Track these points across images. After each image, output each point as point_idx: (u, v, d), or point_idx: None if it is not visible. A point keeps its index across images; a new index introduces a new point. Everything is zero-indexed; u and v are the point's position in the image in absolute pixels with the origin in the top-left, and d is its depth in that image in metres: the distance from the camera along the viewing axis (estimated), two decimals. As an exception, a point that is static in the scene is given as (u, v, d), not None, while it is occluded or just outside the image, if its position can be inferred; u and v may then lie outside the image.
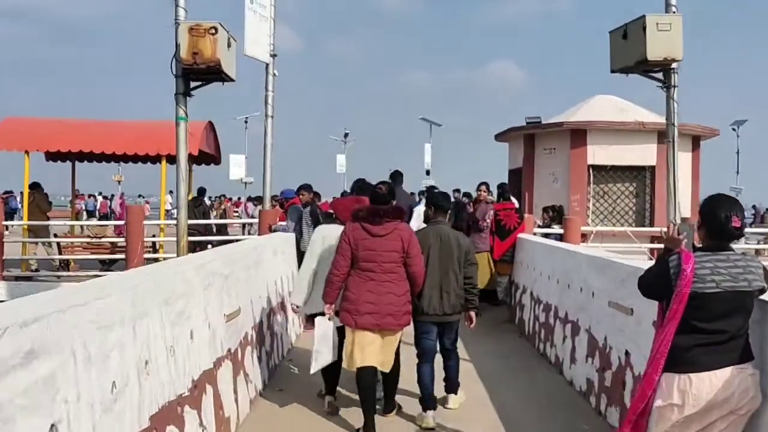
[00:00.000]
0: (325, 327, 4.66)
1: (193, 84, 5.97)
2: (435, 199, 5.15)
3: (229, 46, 5.72)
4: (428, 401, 4.85)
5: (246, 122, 41.79)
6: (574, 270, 6.30)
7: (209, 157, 14.12)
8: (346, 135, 48.75)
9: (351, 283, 4.47)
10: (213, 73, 5.91)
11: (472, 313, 4.96)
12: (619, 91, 14.26)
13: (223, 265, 4.76)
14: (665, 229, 3.14)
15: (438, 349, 5.04)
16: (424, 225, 5.15)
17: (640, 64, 4.88)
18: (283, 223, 9.18)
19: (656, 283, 2.96)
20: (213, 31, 5.29)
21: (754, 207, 32.49)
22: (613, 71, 5.19)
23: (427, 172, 40.15)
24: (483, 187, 9.47)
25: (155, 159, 13.01)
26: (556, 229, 10.88)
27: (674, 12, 4.88)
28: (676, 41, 4.68)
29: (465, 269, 4.88)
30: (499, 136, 14.89)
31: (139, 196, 43.02)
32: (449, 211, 5.32)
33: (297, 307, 5.12)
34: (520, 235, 9.57)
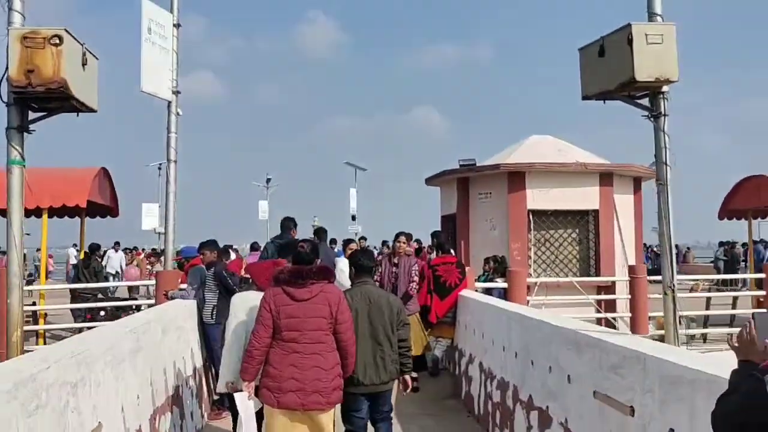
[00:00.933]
0: (247, 406, 4.19)
1: (32, 115, 4.35)
2: (356, 258, 4.86)
3: (84, 63, 4.26)
4: None
5: (159, 169, 40.41)
6: (539, 344, 5.13)
7: (103, 208, 12.40)
8: (268, 180, 47.82)
9: (272, 357, 4.03)
10: (59, 99, 4.37)
11: (408, 378, 4.77)
12: (549, 132, 13.52)
13: (66, 371, 3.32)
14: (737, 334, 1.99)
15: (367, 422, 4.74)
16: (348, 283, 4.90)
17: (625, 87, 3.86)
18: (184, 287, 7.66)
19: (754, 415, 1.77)
20: (56, 40, 3.79)
21: (677, 247, 32.96)
22: (585, 98, 4.15)
23: (353, 218, 39.62)
24: (402, 239, 8.00)
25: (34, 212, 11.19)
26: (500, 283, 9.83)
27: (661, 21, 3.88)
28: (670, 57, 3.70)
29: (398, 331, 4.65)
30: (431, 180, 13.92)
31: (37, 250, 38.81)
32: (373, 270, 5.12)
33: (231, 383, 4.51)
34: (463, 293, 8.44)
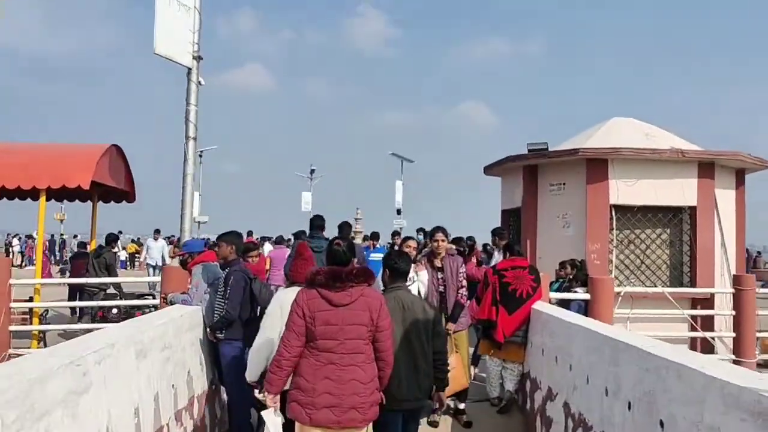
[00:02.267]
0: (275, 423, 3.80)
1: None
2: (391, 261, 4.52)
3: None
4: None
5: (200, 156, 40.35)
6: (680, 402, 3.43)
7: (116, 192, 11.10)
8: (312, 171, 47.27)
9: (304, 368, 3.67)
10: None
11: (442, 394, 4.51)
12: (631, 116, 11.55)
13: None
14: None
15: None
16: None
17: None
18: (188, 291, 6.17)
19: None
20: None
21: (747, 251, 30.19)
22: None
23: (398, 212, 38.43)
24: (440, 235, 6.51)
25: (30, 194, 9.96)
26: (580, 293, 8.06)
27: None
28: None
29: (433, 342, 4.37)
30: (491, 169, 12.19)
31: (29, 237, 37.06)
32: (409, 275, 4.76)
33: (255, 384, 4.31)
34: (537, 306, 6.74)
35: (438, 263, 6.47)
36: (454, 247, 7.73)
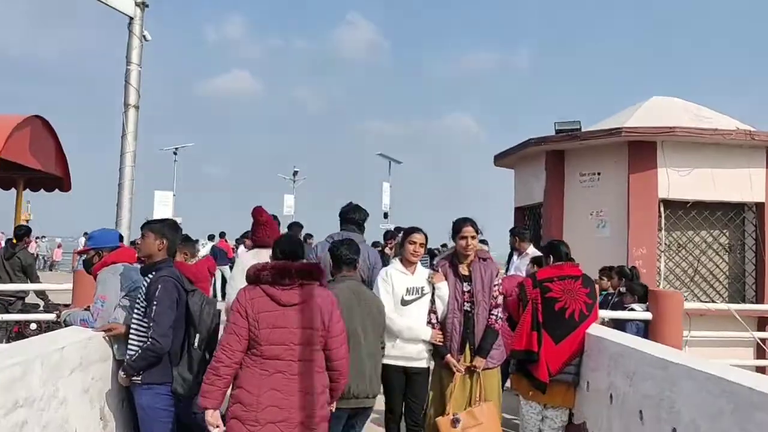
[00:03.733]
0: None
1: None
2: (336, 249, 4.20)
3: None
4: None
5: (175, 153, 38.49)
6: None
7: (48, 179, 9.06)
8: (295, 173, 45.65)
9: (246, 378, 3.28)
10: None
11: None
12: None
13: None
14: None
15: None
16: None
17: None
18: (92, 307, 4.19)
19: None
20: None
21: None
22: None
23: (385, 215, 36.73)
24: (469, 229, 4.67)
25: None
26: (639, 311, 6.14)
27: None
28: None
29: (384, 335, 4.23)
30: (504, 158, 10.31)
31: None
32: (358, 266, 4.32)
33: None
34: (595, 331, 4.83)
35: (464, 270, 4.55)
36: (487, 248, 5.85)
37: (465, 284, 4.63)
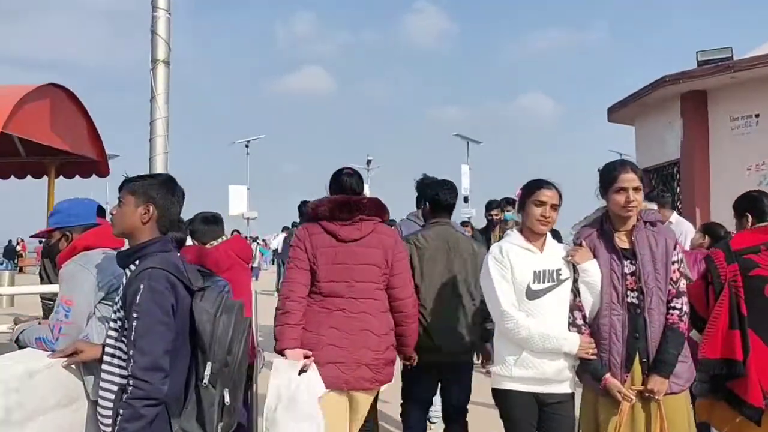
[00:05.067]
0: (290, 378, 3.04)
1: None
2: (432, 192, 3.93)
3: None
4: None
5: (247, 146, 38.14)
6: None
7: (83, 163, 7.97)
8: (368, 162, 44.78)
9: (306, 316, 3.16)
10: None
11: (489, 346, 3.77)
12: None
13: None
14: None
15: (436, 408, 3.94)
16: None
17: None
18: (52, 319, 2.77)
19: None
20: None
21: None
22: None
23: (465, 200, 35.12)
24: (627, 176, 3.09)
25: None
26: None
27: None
28: None
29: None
30: (621, 109, 8.44)
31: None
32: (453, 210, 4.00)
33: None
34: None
35: (623, 241, 3.07)
36: (656, 207, 4.38)
37: (626, 263, 3.01)
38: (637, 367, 2.95)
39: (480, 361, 4.13)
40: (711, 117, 7.34)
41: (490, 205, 6.25)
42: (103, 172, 8.43)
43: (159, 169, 6.06)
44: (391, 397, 4.13)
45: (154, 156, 6.02)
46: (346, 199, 3.27)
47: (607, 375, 2.94)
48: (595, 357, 2.95)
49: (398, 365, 3.57)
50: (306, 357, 3.08)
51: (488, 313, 3.67)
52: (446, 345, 3.65)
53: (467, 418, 3.87)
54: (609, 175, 3.07)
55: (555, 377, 2.97)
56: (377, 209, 3.33)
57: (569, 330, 2.96)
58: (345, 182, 3.39)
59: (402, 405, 3.87)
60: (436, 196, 3.90)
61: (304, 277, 3.18)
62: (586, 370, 3.00)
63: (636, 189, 2.99)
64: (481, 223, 7.66)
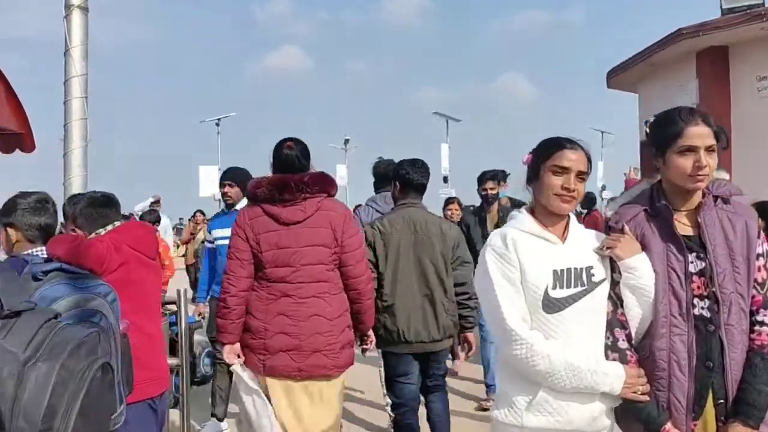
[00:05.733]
0: (248, 394, 3.13)
1: None
2: (402, 171, 3.84)
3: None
4: None
5: (218, 125, 36.84)
6: None
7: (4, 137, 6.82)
8: (346, 141, 44.35)
9: (253, 304, 3.16)
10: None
11: (470, 336, 3.88)
12: None
13: None
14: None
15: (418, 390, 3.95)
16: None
17: None
18: None
19: None
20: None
21: None
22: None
23: (445, 179, 34.48)
24: (697, 130, 2.09)
25: None
26: None
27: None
28: None
29: (455, 271, 3.77)
30: (622, 72, 7.53)
31: None
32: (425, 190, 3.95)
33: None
34: None
35: (685, 225, 2.15)
36: (725, 177, 3.63)
37: (692, 257, 2.08)
38: (710, 410, 2.02)
39: (462, 350, 4.05)
40: (733, 77, 6.54)
41: (483, 177, 5.29)
42: (29, 147, 7.33)
43: (76, 139, 4.99)
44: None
45: (70, 122, 4.95)
46: (285, 179, 3.14)
47: (668, 425, 1.99)
48: (647, 398, 2.01)
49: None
50: (238, 356, 3.14)
51: (465, 298, 3.75)
52: (417, 339, 3.63)
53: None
54: (670, 129, 2.09)
55: (587, 428, 2.02)
56: (322, 184, 3.19)
57: (607, 357, 2.03)
58: (286, 157, 3.21)
59: (386, 384, 3.89)
60: (406, 176, 3.79)
61: (245, 269, 3.11)
62: (634, 416, 2.05)
63: (709, 149, 2.03)
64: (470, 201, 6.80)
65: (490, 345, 4.28)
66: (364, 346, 3.51)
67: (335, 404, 3.23)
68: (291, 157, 3.20)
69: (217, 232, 4.87)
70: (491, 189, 5.20)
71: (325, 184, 3.23)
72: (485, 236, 4.13)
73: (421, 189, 3.86)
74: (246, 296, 3.15)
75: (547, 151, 2.12)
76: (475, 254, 3.42)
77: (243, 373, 3.14)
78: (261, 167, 3.59)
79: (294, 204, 3.13)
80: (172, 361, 3.53)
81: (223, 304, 3.14)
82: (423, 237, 3.71)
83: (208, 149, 36.01)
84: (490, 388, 4.98)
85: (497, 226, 4.57)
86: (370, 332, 3.45)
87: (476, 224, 5.28)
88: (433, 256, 3.71)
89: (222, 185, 4.88)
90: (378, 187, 5.02)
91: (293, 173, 3.19)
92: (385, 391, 4.17)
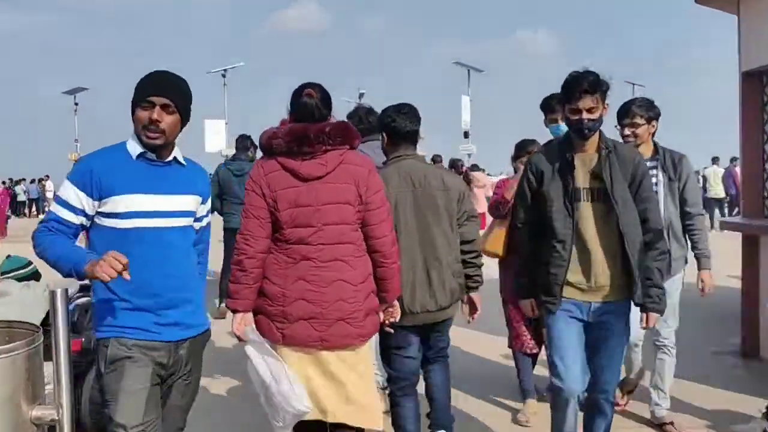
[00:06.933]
0: (261, 359, 2.89)
1: None
2: (388, 119, 3.51)
3: None
4: None
5: (224, 76, 35.63)
6: None
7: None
8: (361, 95, 43.47)
9: (269, 267, 2.94)
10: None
11: (475, 296, 3.60)
12: None
13: None
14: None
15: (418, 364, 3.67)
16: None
17: None
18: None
19: None
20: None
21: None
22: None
23: (465, 134, 33.69)
24: None
25: None
26: None
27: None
28: None
29: (461, 228, 3.49)
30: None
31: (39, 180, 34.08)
32: (418, 139, 3.66)
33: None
34: None
35: None
36: None
37: None
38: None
39: (467, 313, 3.69)
40: None
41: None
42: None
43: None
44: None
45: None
46: (303, 130, 2.89)
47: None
48: None
49: None
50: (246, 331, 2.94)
51: (473, 257, 3.48)
52: (421, 308, 3.34)
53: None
54: None
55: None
56: (345, 135, 2.95)
57: None
58: (305, 106, 2.92)
59: (382, 356, 3.56)
60: (392, 124, 3.48)
61: (264, 228, 2.88)
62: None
63: None
64: (490, 166, 5.57)
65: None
66: (390, 320, 3.12)
67: (361, 375, 2.97)
68: (311, 107, 2.91)
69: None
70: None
71: (348, 136, 2.98)
72: None
73: (412, 137, 3.53)
74: (264, 258, 2.92)
75: None
76: None
77: (253, 335, 2.87)
78: (272, 121, 3.05)
79: (314, 157, 2.89)
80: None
81: (239, 266, 2.90)
82: (423, 192, 3.40)
83: (214, 102, 34.60)
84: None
85: None
86: (396, 303, 3.13)
87: None
88: (437, 212, 3.39)
89: (149, 103, 2.52)
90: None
91: (313, 121, 2.93)
92: (377, 363, 3.79)
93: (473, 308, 3.63)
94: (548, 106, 4.18)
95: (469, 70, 34.03)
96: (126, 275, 2.16)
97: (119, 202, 2.35)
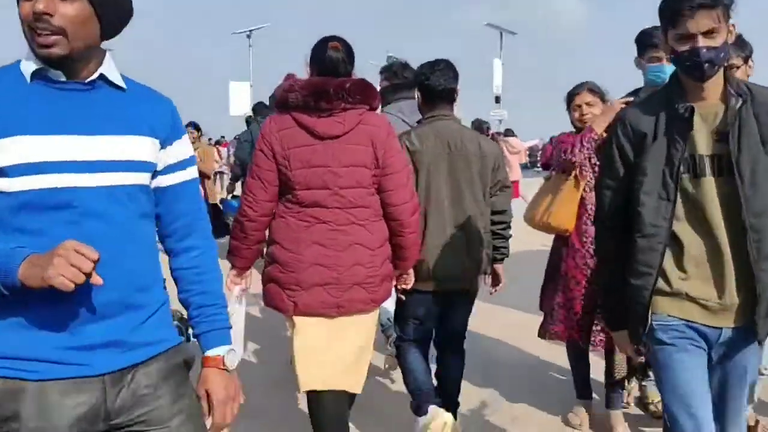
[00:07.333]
0: (236, 315, 2.81)
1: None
2: (424, 77, 3.33)
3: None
4: (422, 397, 3.27)
5: (249, 37, 35.41)
6: None
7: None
8: (388, 58, 42.09)
9: (281, 232, 2.82)
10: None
11: (499, 268, 3.53)
12: None
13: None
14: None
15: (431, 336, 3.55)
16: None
17: None
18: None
19: None
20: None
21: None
22: None
23: (497, 99, 33.35)
24: None
25: None
26: None
27: None
28: None
29: (494, 197, 3.39)
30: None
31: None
32: (455, 98, 3.42)
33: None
34: None
35: None
36: None
37: None
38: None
39: (490, 284, 3.57)
40: None
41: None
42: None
43: None
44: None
45: None
46: (323, 83, 2.72)
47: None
48: None
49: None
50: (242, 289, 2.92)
51: (502, 228, 3.40)
52: (447, 275, 3.22)
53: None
54: None
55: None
56: (364, 94, 2.78)
57: None
58: (329, 61, 2.78)
59: (396, 346, 3.47)
60: (426, 81, 3.28)
61: (267, 191, 2.75)
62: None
63: None
64: (524, 131, 5.05)
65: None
66: (402, 286, 3.08)
67: (368, 337, 2.91)
68: (336, 60, 2.76)
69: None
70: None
71: (369, 95, 2.82)
72: None
73: (448, 96, 3.33)
74: (266, 222, 2.84)
75: None
76: None
77: (237, 306, 2.83)
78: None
79: (331, 114, 2.72)
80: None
81: (240, 228, 2.82)
82: (459, 156, 3.26)
83: (239, 64, 34.44)
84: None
85: None
86: (411, 271, 3.06)
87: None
88: (471, 178, 3.27)
89: None
90: (391, 95, 4.23)
91: (334, 76, 2.78)
92: (384, 328, 3.80)
93: (497, 280, 3.55)
94: (648, 38, 3.24)
95: (501, 33, 33.26)
96: (98, 279, 1.35)
97: (4, 149, 1.41)
